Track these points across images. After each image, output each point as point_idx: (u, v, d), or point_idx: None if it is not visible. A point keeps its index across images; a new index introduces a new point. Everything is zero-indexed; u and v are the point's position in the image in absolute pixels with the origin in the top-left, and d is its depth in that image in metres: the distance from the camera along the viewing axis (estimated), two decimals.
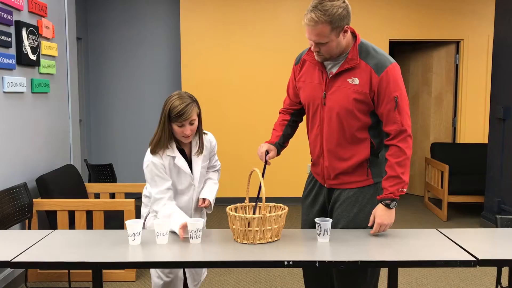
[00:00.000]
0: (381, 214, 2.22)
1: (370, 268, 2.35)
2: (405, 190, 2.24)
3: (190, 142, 2.47)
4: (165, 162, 2.38)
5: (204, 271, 2.71)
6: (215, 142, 2.61)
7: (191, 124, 2.34)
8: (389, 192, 2.22)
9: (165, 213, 2.33)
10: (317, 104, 2.32)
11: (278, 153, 2.53)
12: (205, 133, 2.54)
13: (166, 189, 2.38)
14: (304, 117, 2.55)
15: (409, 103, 7.04)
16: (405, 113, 2.22)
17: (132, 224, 2.12)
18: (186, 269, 2.55)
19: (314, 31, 2.11)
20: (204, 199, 2.51)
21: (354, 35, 2.25)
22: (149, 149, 2.40)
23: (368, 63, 2.20)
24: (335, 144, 2.32)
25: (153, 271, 2.53)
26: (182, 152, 2.46)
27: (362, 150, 2.31)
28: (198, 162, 2.49)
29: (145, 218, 2.53)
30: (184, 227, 2.18)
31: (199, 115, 2.39)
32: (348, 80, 2.22)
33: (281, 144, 2.54)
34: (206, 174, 2.61)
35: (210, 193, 2.55)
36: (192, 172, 2.48)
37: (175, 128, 2.33)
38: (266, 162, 2.42)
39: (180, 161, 2.42)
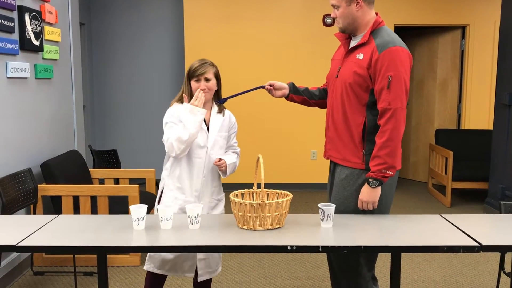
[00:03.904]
0: (363, 191, 2.33)
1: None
2: (390, 173, 2.27)
3: (211, 109, 2.57)
4: (181, 113, 2.48)
5: (220, 265, 2.69)
6: (235, 120, 2.69)
7: (206, 80, 2.49)
8: (371, 171, 2.29)
9: (176, 128, 2.43)
10: (333, 77, 2.48)
11: (291, 92, 2.63)
12: (225, 109, 2.65)
13: None
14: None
15: (414, 89, 7.02)
16: (396, 94, 2.24)
17: (136, 209, 2.13)
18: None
19: None
20: (220, 159, 2.53)
21: (379, 22, 2.38)
22: (174, 104, 2.55)
23: (375, 42, 2.31)
24: (336, 114, 2.44)
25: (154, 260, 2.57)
26: None
27: (356, 125, 2.37)
28: (215, 126, 2.56)
29: (161, 191, 2.57)
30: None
31: (217, 78, 2.55)
32: (356, 55, 2.36)
33: (296, 87, 2.65)
34: (225, 153, 2.63)
35: (227, 158, 2.58)
36: (208, 132, 2.53)
37: (193, 84, 2.50)
38: (263, 86, 2.63)
39: None
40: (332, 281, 2.67)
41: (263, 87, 2.63)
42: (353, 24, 2.37)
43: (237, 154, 2.69)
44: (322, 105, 2.68)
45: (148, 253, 2.57)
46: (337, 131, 2.44)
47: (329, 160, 2.62)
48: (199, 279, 2.57)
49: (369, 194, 2.30)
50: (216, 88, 2.56)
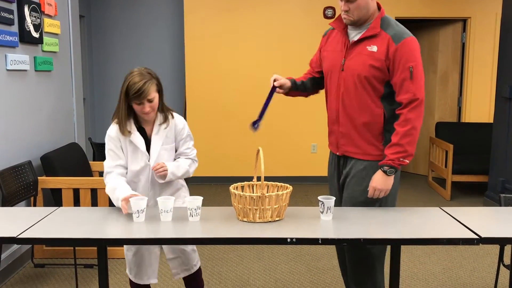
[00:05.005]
0: (377, 179, 2.30)
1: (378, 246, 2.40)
2: (407, 161, 2.28)
3: (153, 122, 2.41)
4: (121, 137, 2.37)
5: (197, 261, 2.61)
6: (183, 126, 2.47)
7: (149, 101, 2.29)
8: (388, 158, 2.27)
9: (111, 186, 2.32)
10: (337, 70, 2.40)
11: (292, 87, 2.55)
12: (172, 116, 2.45)
13: (116, 165, 2.37)
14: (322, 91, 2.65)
15: None
16: (419, 84, 2.25)
17: (136, 202, 2.13)
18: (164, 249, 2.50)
19: None
20: (159, 164, 2.34)
21: (379, 8, 2.35)
22: (113, 123, 2.41)
23: (388, 33, 2.28)
24: (350, 109, 2.38)
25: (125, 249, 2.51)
26: (142, 130, 2.41)
27: (374, 117, 2.34)
28: (158, 141, 2.40)
29: None
30: (127, 200, 2.17)
31: (160, 91, 2.36)
32: (367, 47, 2.30)
33: (296, 82, 2.58)
34: (176, 161, 2.47)
35: (170, 163, 2.40)
36: (149, 151, 2.39)
37: (135, 106, 2.31)
38: (273, 88, 2.48)
39: (136, 138, 2.37)
40: (343, 274, 2.66)
41: (274, 89, 2.48)
42: (366, 14, 2.30)
43: (192, 160, 2.50)
44: (309, 95, 2.65)
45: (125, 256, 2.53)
46: (354, 125, 2.38)
47: (329, 153, 2.60)
48: (176, 277, 2.56)
49: (384, 182, 2.29)
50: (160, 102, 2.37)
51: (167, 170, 2.36)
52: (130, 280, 2.56)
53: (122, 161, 2.39)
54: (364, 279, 2.46)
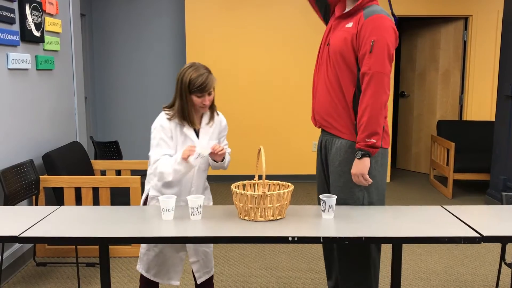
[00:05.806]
0: (354, 164, 2.29)
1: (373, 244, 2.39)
2: (373, 140, 2.22)
3: (201, 116, 2.47)
4: (172, 127, 2.40)
5: (213, 263, 2.64)
6: (226, 123, 2.59)
7: (209, 94, 2.39)
8: (357, 141, 2.26)
9: (166, 161, 2.32)
10: (323, 45, 2.45)
11: None
12: (217, 113, 2.55)
13: (165, 154, 2.38)
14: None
15: (416, 80, 6.98)
16: (377, 58, 2.20)
17: (202, 146, 2.25)
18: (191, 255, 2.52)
19: None
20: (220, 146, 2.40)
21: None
22: (163, 113, 2.41)
23: (363, 10, 2.29)
24: (326, 83, 2.39)
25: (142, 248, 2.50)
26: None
27: (346, 95, 2.33)
28: (205, 136, 2.47)
29: (147, 194, 2.52)
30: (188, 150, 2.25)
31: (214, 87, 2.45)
32: (346, 25, 2.34)
33: None
34: None
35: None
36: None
37: (194, 99, 2.36)
38: None
39: (188, 129, 2.42)
40: (338, 272, 2.67)
41: None
42: None
43: (228, 154, 2.58)
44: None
45: (139, 253, 2.53)
46: (330, 101, 2.38)
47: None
48: (199, 281, 2.55)
49: (357, 166, 2.27)
50: None
51: (225, 151, 2.41)
52: (142, 276, 2.53)
53: (171, 151, 2.40)
54: (354, 282, 2.46)
